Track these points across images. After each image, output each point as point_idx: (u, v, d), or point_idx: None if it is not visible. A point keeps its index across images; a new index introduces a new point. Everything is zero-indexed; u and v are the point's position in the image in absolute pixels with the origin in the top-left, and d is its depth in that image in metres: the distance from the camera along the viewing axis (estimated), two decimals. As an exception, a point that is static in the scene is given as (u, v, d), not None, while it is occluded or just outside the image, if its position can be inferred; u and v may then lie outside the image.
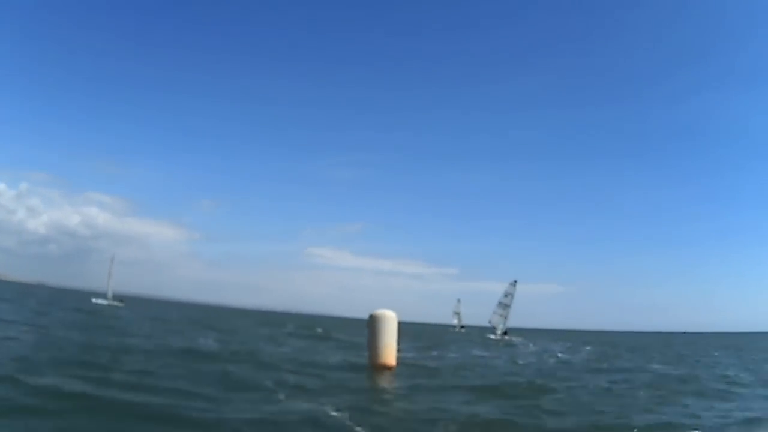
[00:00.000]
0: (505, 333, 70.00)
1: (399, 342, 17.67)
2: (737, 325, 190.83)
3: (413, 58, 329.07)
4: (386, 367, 16.81)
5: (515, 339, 63.86)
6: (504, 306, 71.39)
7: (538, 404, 11.98)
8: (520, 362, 25.63)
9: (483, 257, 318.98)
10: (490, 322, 72.34)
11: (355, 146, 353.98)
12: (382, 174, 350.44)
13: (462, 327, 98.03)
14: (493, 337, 64.36)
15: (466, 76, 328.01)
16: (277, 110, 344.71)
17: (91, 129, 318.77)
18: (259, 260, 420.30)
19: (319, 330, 50.04)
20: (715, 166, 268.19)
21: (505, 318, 71.10)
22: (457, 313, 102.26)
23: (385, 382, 15.11)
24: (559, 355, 33.11)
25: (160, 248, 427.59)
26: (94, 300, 68.01)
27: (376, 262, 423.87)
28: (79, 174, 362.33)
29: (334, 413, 9.58)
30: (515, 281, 72.53)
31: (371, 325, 17.11)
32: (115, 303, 67.02)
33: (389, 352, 17.04)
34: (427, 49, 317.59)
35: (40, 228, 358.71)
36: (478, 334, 71.39)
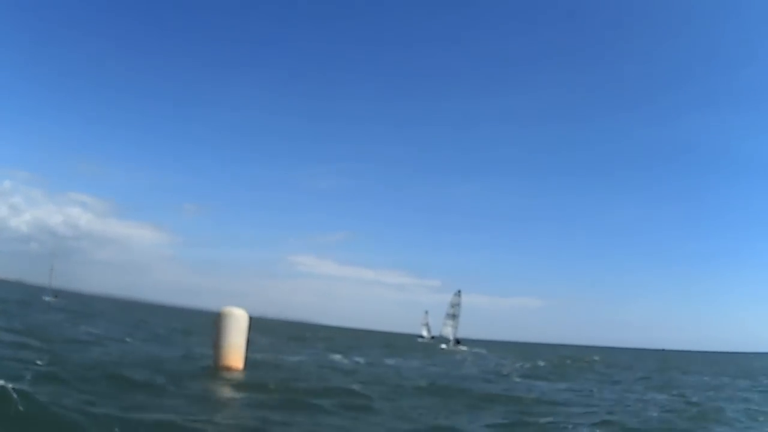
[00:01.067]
0: (458, 342, 72.77)
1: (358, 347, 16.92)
2: (721, 344, 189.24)
3: (400, 70, 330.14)
4: (231, 369, 15.71)
5: (476, 350, 64.11)
6: (452, 316, 73.84)
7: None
8: (433, 369, 25.29)
9: (465, 270, 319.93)
10: (440, 333, 74.55)
11: (340, 156, 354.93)
12: (366, 184, 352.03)
13: (433, 337, 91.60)
14: (444, 347, 65.16)
15: (454, 89, 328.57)
16: (262, 118, 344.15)
17: (75, 129, 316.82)
18: (241, 266, 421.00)
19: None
20: (703, 186, 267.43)
21: (455, 328, 73.55)
22: (425, 325, 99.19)
23: (213, 384, 14.01)
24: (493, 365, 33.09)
25: (141, 251, 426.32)
26: (45, 298, 68.50)
27: (359, 271, 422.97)
28: (62, 174, 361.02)
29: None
30: (459, 291, 75.72)
31: (217, 323, 16.02)
32: (52, 298, 69.64)
33: (235, 353, 15.93)
34: (414, 61, 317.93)
35: (22, 226, 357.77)
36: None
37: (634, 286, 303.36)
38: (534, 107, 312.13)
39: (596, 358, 53.20)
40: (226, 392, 13.20)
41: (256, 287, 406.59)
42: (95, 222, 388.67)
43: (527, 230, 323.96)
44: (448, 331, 75.23)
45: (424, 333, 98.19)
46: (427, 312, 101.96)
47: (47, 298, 69.64)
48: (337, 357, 27.71)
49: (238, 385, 14.01)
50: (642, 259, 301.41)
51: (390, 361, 29.57)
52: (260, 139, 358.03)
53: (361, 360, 27.70)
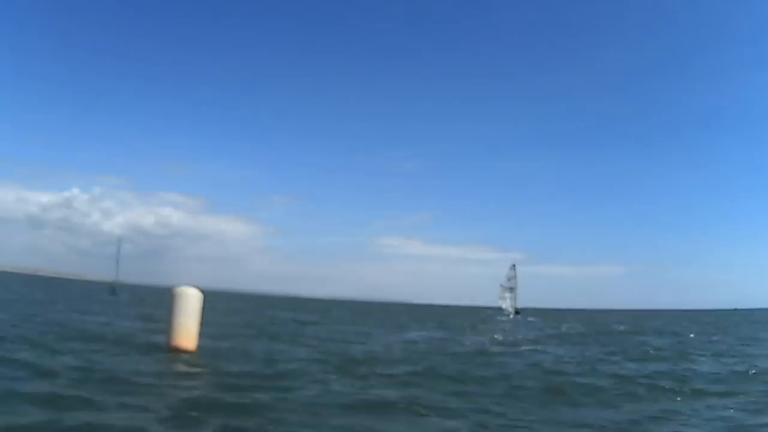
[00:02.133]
0: (517, 312, 78.01)
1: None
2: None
3: (475, 47, 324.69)
4: (181, 351, 15.32)
5: (530, 318, 66.98)
6: (509, 289, 79.20)
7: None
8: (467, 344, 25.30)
9: (547, 241, 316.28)
10: (499, 305, 79.71)
11: (420, 137, 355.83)
12: (447, 164, 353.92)
13: (518, 312, 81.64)
14: (503, 318, 67.94)
15: (529, 65, 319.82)
16: (344, 104, 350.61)
17: (161, 131, 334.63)
18: (331, 252, 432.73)
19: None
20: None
21: (513, 299, 78.88)
22: (512, 289, 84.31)
23: (146, 363, 13.61)
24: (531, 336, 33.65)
25: (235, 244, 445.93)
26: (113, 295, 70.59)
27: (445, 249, 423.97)
28: (151, 175, 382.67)
29: None
30: (514, 265, 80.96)
31: (170, 303, 15.76)
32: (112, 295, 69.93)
33: (186, 334, 15.45)
34: (491, 37, 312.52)
35: (116, 229, 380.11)
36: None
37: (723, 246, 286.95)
38: (607, 79, 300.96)
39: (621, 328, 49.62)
40: (153, 372, 12.77)
41: (346, 271, 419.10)
42: (187, 219, 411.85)
43: (607, 199, 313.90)
44: (507, 304, 79.75)
45: (503, 304, 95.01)
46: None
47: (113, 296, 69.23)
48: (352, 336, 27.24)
49: (169, 367, 13.56)
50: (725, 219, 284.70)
51: (412, 335, 30.18)
52: (342, 126, 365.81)
53: (379, 337, 27.33)
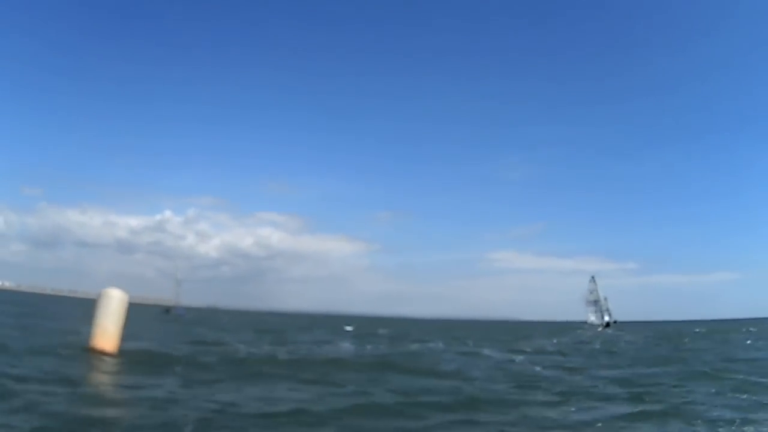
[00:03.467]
0: (607, 325, 76.58)
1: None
2: None
3: (577, 45, 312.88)
4: (100, 353, 14.74)
5: (618, 332, 61.83)
6: (593, 302, 78.40)
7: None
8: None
9: (660, 249, 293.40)
10: (587, 321, 78.35)
11: (525, 144, 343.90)
12: (555, 170, 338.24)
13: (608, 324, 78.77)
14: (599, 330, 67.96)
15: (627, 66, 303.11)
16: (446, 111, 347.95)
17: (255, 150, 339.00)
18: (440, 269, 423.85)
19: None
20: None
21: (599, 312, 77.51)
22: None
23: (63, 367, 12.92)
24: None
25: (338, 263, 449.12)
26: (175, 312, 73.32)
27: (557, 261, 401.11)
28: (247, 195, 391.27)
29: None
30: (593, 277, 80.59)
31: (96, 303, 15.27)
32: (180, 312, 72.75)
33: (105, 336, 14.96)
34: (597, 34, 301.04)
35: (212, 251, 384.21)
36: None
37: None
38: (723, 69, 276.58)
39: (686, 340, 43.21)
40: (40, 377, 11.84)
41: (456, 289, 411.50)
42: (288, 239, 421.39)
43: (721, 202, 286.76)
44: (593, 318, 79.12)
45: (591, 318, 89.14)
46: (606, 298, 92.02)
47: (177, 313, 71.72)
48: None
49: (65, 370, 12.73)
50: None
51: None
52: (445, 137, 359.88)
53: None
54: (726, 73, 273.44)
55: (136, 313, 64.36)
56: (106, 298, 15.15)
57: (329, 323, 70.45)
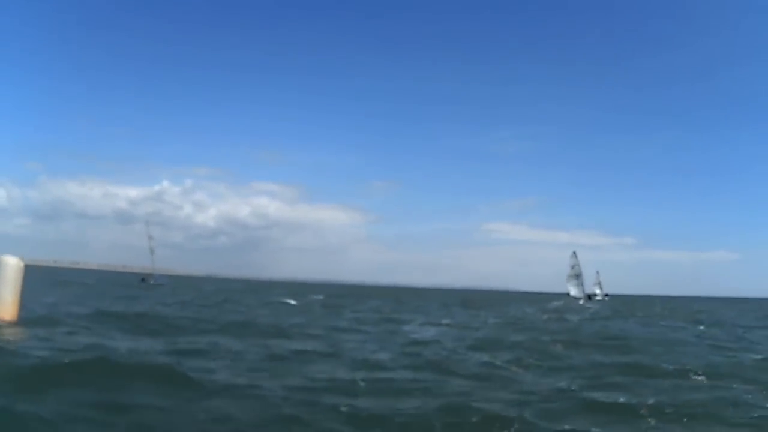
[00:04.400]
0: (588, 297, 78.84)
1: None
2: None
3: (579, 31, 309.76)
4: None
5: (588, 305, 65.67)
6: (575, 276, 79.20)
7: None
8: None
9: (660, 226, 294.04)
10: (568, 294, 79.93)
11: (524, 120, 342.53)
12: (551, 146, 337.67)
13: (589, 297, 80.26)
14: (581, 302, 70.96)
15: (632, 50, 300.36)
16: (443, 88, 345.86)
17: (251, 120, 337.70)
18: (435, 238, 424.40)
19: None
20: None
21: (581, 286, 78.99)
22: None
23: None
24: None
25: (334, 233, 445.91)
26: (152, 281, 71.31)
27: (553, 234, 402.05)
28: (244, 165, 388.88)
29: None
30: (575, 252, 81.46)
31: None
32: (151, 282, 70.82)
33: (2, 304, 14.88)
34: (598, 21, 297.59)
35: (209, 221, 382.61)
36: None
37: None
38: (725, 57, 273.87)
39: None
40: None
41: (452, 259, 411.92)
42: (284, 209, 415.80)
43: (719, 183, 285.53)
44: (574, 291, 79.46)
45: (572, 291, 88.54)
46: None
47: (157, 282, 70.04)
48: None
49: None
50: None
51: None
52: (443, 109, 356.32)
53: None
54: (728, 55, 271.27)
55: (116, 282, 64.66)
56: (2, 265, 15.03)
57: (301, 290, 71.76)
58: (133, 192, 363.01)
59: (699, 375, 11.88)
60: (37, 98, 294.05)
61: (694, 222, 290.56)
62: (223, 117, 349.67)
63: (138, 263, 71.66)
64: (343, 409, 7.94)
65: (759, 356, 15.95)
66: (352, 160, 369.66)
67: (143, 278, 73.97)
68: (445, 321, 27.99)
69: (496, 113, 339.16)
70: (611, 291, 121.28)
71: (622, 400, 9.31)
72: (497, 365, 12.86)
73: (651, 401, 9.12)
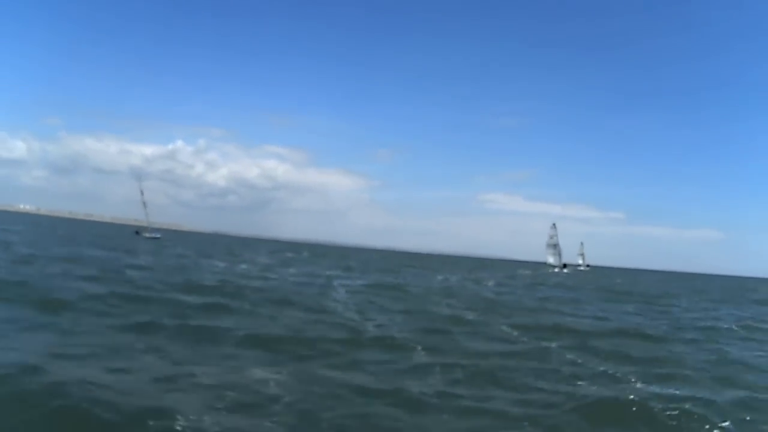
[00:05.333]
0: (564, 266, 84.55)
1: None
2: None
3: (582, 12, 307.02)
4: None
5: (564, 272, 75.76)
6: (552, 246, 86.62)
7: None
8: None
9: (647, 202, 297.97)
10: (547, 261, 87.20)
11: (522, 96, 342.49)
12: (548, 122, 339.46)
13: (564, 266, 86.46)
14: (556, 270, 78.57)
15: (628, 32, 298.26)
16: (446, 63, 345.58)
17: (264, 84, 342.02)
18: (434, 206, 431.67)
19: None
20: None
21: (557, 255, 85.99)
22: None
23: None
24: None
25: (338, 197, 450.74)
26: (146, 234, 74.51)
27: (546, 206, 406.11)
28: (256, 128, 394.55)
29: None
30: (554, 224, 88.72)
31: None
32: (154, 235, 74.25)
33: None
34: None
35: (220, 181, 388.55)
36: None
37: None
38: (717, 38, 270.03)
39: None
40: None
41: (449, 226, 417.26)
42: (292, 172, 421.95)
43: (709, 161, 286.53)
44: (552, 260, 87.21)
45: (550, 259, 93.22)
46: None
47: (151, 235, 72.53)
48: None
49: None
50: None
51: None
52: (447, 82, 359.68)
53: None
54: (720, 37, 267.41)
55: (115, 235, 68.50)
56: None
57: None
58: (148, 149, 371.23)
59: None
60: (58, 57, 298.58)
61: (680, 200, 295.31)
62: (239, 80, 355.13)
63: (151, 218, 74.38)
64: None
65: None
66: (360, 127, 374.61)
67: (137, 231, 77.94)
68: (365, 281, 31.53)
69: (495, 89, 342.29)
70: (599, 263, 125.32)
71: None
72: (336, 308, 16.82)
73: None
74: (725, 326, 20.19)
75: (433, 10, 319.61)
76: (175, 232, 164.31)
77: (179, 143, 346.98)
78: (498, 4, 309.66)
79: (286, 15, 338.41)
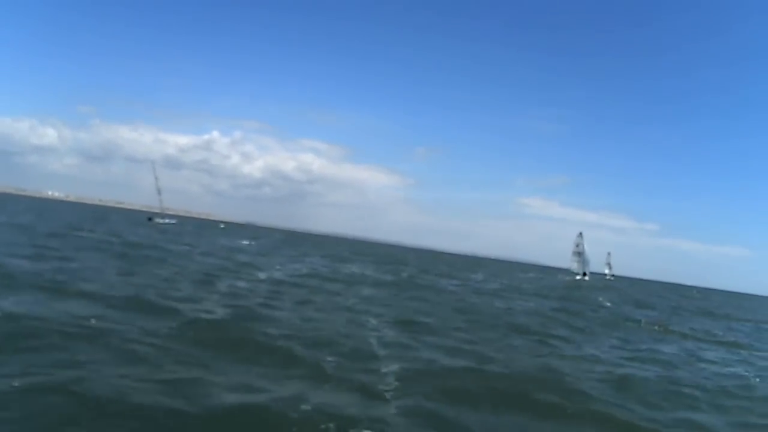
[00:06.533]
0: (584, 274, 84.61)
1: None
2: None
3: (625, 22, 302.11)
4: None
5: (580, 278, 78.83)
6: (578, 254, 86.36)
7: None
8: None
9: (682, 215, 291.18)
10: (570, 267, 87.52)
11: (563, 103, 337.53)
12: (588, 130, 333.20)
13: (585, 274, 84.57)
14: (578, 278, 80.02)
15: (665, 41, 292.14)
16: (490, 67, 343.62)
17: (304, 78, 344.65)
18: (470, 207, 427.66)
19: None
20: None
21: (581, 263, 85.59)
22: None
23: None
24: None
25: (374, 193, 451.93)
26: (158, 220, 76.21)
27: (581, 213, 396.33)
28: (293, 122, 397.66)
29: None
30: (581, 233, 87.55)
31: None
32: (166, 221, 75.77)
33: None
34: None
35: (255, 172, 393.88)
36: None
37: None
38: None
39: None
40: None
41: (484, 228, 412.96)
42: (329, 167, 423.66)
43: (741, 177, 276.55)
44: (575, 266, 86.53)
45: (574, 266, 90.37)
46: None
47: (160, 221, 74.33)
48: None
49: None
50: None
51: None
52: (489, 85, 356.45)
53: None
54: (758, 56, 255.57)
55: (132, 221, 69.29)
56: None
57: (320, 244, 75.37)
58: (183, 140, 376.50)
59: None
60: (93, 45, 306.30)
61: (710, 214, 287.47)
62: (277, 74, 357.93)
63: (184, 206, 76.67)
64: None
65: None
66: (398, 125, 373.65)
67: (150, 217, 78.68)
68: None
69: (537, 95, 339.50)
70: (631, 274, 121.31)
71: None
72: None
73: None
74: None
75: (479, 16, 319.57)
76: (203, 221, 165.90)
77: (215, 134, 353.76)
78: (541, 12, 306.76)
79: (331, 11, 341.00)
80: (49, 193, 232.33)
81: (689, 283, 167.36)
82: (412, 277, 36.40)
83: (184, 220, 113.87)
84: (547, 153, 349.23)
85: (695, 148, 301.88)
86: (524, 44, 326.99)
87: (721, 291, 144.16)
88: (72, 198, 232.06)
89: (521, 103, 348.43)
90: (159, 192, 76.05)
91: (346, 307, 16.30)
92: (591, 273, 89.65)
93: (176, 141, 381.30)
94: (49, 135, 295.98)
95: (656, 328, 22.45)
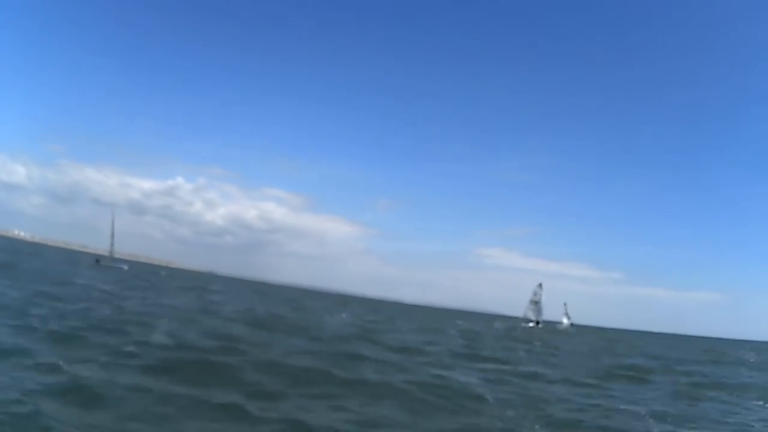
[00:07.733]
0: (537, 322, 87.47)
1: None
2: None
3: (597, 67, 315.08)
4: None
5: (530, 325, 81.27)
6: (534, 303, 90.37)
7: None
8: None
9: (647, 263, 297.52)
10: (524, 315, 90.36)
11: (524, 150, 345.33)
12: (550, 179, 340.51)
13: (538, 323, 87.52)
14: (530, 325, 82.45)
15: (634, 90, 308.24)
16: (452, 113, 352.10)
17: (267, 128, 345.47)
18: (431, 258, 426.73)
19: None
20: None
21: (537, 312, 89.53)
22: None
23: None
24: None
25: (335, 243, 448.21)
26: (107, 264, 75.14)
27: (543, 263, 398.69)
28: (255, 170, 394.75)
29: None
30: (540, 284, 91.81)
31: None
32: (117, 265, 75.05)
33: None
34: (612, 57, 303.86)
35: (217, 220, 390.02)
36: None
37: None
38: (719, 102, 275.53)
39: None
40: None
41: (445, 278, 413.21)
42: (290, 216, 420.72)
43: (707, 223, 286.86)
44: (530, 314, 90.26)
45: (529, 314, 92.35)
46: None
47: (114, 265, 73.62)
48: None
49: None
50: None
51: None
52: (446, 137, 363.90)
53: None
54: (721, 102, 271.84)
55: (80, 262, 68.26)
56: None
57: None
58: (147, 184, 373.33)
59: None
60: (63, 84, 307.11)
61: (679, 261, 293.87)
62: (241, 121, 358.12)
63: (146, 252, 75.90)
64: None
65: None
66: (360, 175, 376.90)
67: (98, 259, 77.45)
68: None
69: (500, 141, 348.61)
70: (595, 322, 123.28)
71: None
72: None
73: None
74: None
75: (441, 60, 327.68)
76: (168, 267, 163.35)
77: (179, 179, 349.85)
78: (506, 55, 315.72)
79: (295, 58, 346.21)
80: (16, 232, 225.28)
81: (657, 330, 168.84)
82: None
83: (140, 266, 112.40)
84: (510, 202, 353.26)
85: (657, 198, 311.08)
86: (486, 88, 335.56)
87: (697, 337, 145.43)
88: (37, 239, 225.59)
89: (482, 152, 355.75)
90: (112, 235, 76.49)
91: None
92: (547, 321, 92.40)
93: (141, 185, 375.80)
94: (18, 172, 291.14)
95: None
